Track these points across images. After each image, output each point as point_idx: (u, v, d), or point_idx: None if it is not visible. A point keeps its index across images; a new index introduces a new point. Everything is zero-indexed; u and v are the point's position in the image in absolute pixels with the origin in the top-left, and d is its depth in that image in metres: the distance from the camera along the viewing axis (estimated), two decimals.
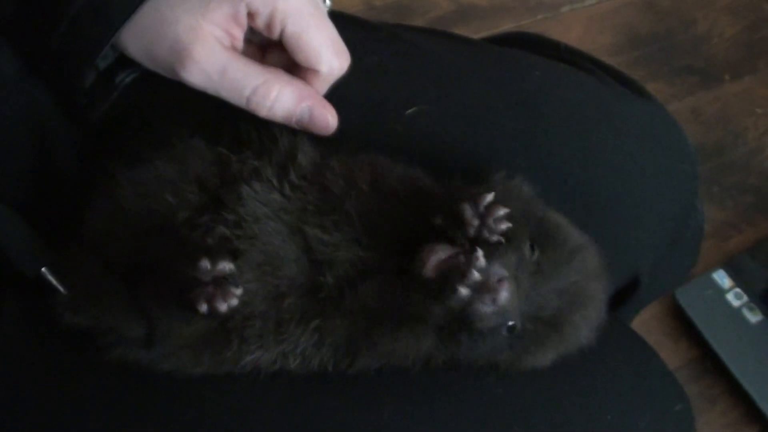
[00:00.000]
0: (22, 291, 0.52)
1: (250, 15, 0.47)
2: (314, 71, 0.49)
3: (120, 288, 0.47)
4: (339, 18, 0.64)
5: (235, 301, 0.44)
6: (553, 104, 0.59)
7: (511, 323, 0.45)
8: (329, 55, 0.49)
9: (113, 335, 0.47)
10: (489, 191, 0.45)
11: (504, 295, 0.43)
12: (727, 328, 1.16)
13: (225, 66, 0.47)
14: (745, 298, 1.19)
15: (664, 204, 0.61)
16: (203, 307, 0.43)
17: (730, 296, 1.19)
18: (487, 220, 0.44)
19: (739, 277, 1.21)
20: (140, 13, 0.47)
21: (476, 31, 1.46)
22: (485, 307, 0.43)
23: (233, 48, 0.48)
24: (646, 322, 1.18)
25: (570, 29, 1.49)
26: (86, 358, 0.48)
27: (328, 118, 0.49)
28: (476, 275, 0.42)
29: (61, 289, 0.50)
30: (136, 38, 0.48)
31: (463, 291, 0.42)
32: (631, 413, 0.53)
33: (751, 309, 1.18)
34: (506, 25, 1.48)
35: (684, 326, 1.19)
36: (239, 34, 0.48)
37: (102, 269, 0.48)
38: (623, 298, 0.65)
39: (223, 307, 0.44)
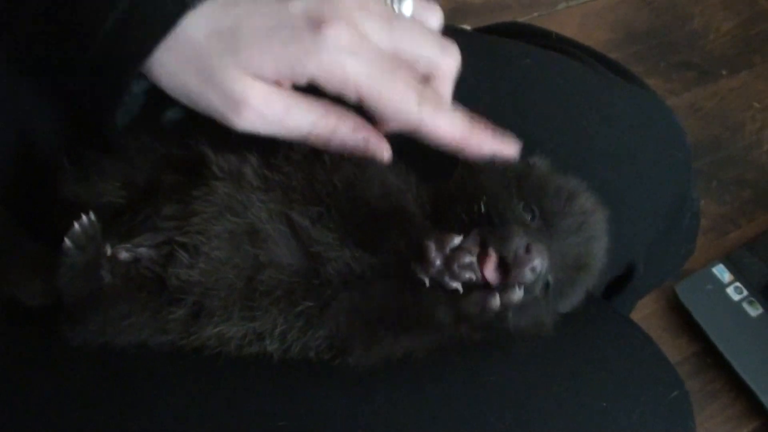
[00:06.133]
0: None
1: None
2: None
3: (25, 248, 0.48)
4: None
5: (67, 243, 0.45)
6: (544, 92, 0.58)
7: (543, 285, 0.46)
8: (412, 108, 0.47)
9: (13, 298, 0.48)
10: (455, 235, 0.44)
11: (538, 260, 0.43)
12: (728, 323, 1.16)
13: (286, 110, 0.46)
14: (745, 292, 1.19)
15: (658, 191, 0.60)
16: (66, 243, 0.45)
17: (730, 290, 1.19)
18: (452, 264, 0.43)
19: (738, 272, 1.20)
20: (170, 48, 0.45)
21: (472, 29, 1.46)
22: (528, 277, 0.43)
23: (284, 85, 0.47)
24: (647, 318, 1.18)
25: (565, 26, 1.49)
26: (68, 348, 0.48)
27: (383, 150, 0.49)
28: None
29: None
30: (169, 75, 0.46)
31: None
32: (627, 400, 0.52)
33: (751, 303, 1.18)
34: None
35: (684, 321, 1.18)
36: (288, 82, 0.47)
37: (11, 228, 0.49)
38: (619, 287, 0.64)
39: (66, 243, 0.45)
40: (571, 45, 0.66)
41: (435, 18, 0.53)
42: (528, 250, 0.43)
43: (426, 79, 0.50)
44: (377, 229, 0.46)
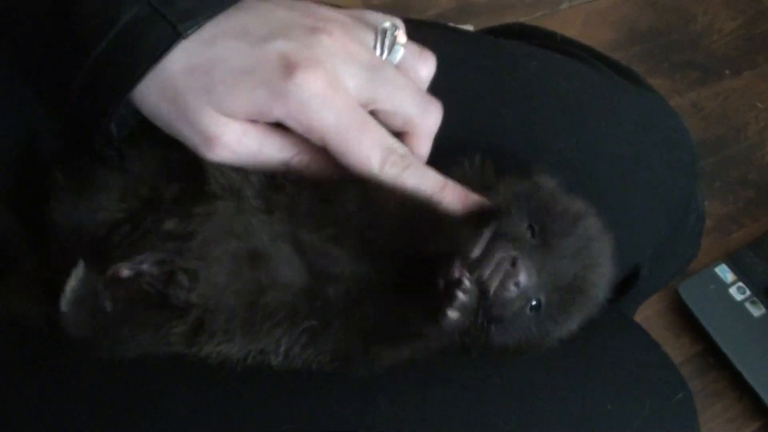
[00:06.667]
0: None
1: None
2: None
3: (24, 266, 0.48)
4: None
5: (64, 306, 0.45)
6: (550, 94, 0.58)
7: (534, 302, 0.45)
8: (374, 169, 0.46)
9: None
10: (476, 243, 0.44)
11: (523, 274, 0.43)
12: (731, 323, 1.16)
13: (259, 148, 0.46)
14: (748, 292, 1.19)
15: (663, 193, 0.60)
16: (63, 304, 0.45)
17: (732, 290, 1.19)
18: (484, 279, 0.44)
19: (741, 272, 1.21)
20: (149, 79, 0.45)
21: (475, 28, 1.46)
22: (509, 293, 0.43)
23: (259, 122, 0.46)
24: (649, 318, 1.18)
25: (569, 25, 1.49)
26: (71, 349, 0.48)
27: None
28: (463, 298, 0.42)
29: None
30: (147, 103, 0.46)
31: (452, 314, 0.42)
32: (631, 402, 0.52)
33: (754, 303, 1.18)
34: (505, 22, 1.48)
35: (687, 321, 1.18)
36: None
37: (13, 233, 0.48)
38: (623, 289, 0.64)
39: (63, 304, 0.45)
40: (576, 47, 0.66)
41: (426, 68, 0.52)
42: (513, 263, 0.43)
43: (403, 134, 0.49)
44: (402, 237, 0.46)
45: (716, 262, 1.21)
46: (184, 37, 0.44)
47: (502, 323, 0.45)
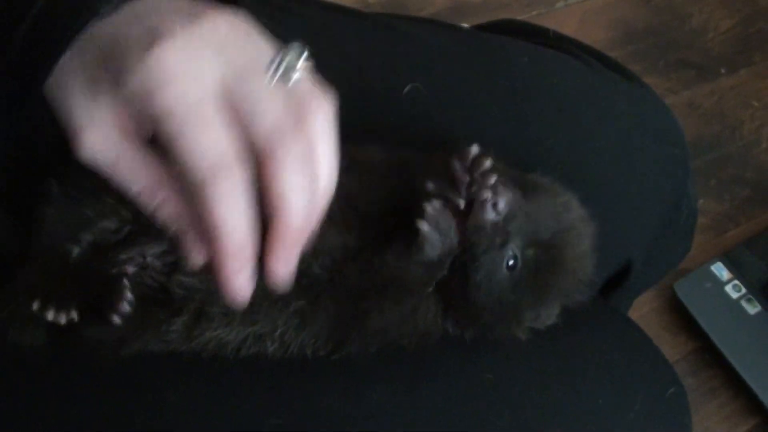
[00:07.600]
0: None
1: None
2: None
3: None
4: (324, 5, 0.63)
5: (117, 319, 0.45)
6: (542, 90, 0.59)
7: (511, 261, 0.45)
8: (206, 169, 0.38)
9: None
10: (473, 146, 0.45)
11: (502, 199, 0.43)
12: (726, 321, 1.16)
13: (116, 159, 0.41)
14: (744, 290, 1.19)
15: (655, 188, 0.60)
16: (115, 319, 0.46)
17: (728, 288, 1.19)
18: (475, 173, 0.44)
19: (737, 270, 1.21)
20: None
21: None
22: (487, 215, 0.43)
23: (129, 134, 0.41)
24: (645, 316, 1.18)
25: (564, 24, 1.49)
26: (68, 347, 0.48)
27: (192, 255, 0.42)
28: (432, 208, 0.43)
29: None
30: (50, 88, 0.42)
31: (424, 226, 0.43)
32: (624, 397, 0.53)
33: (749, 301, 1.18)
34: None
35: (683, 319, 1.18)
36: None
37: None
38: (616, 284, 0.64)
39: (115, 319, 0.45)
40: (568, 43, 0.66)
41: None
42: (495, 186, 0.43)
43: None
44: (388, 191, 0.47)
45: (712, 260, 1.21)
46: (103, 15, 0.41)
47: (477, 263, 0.44)
